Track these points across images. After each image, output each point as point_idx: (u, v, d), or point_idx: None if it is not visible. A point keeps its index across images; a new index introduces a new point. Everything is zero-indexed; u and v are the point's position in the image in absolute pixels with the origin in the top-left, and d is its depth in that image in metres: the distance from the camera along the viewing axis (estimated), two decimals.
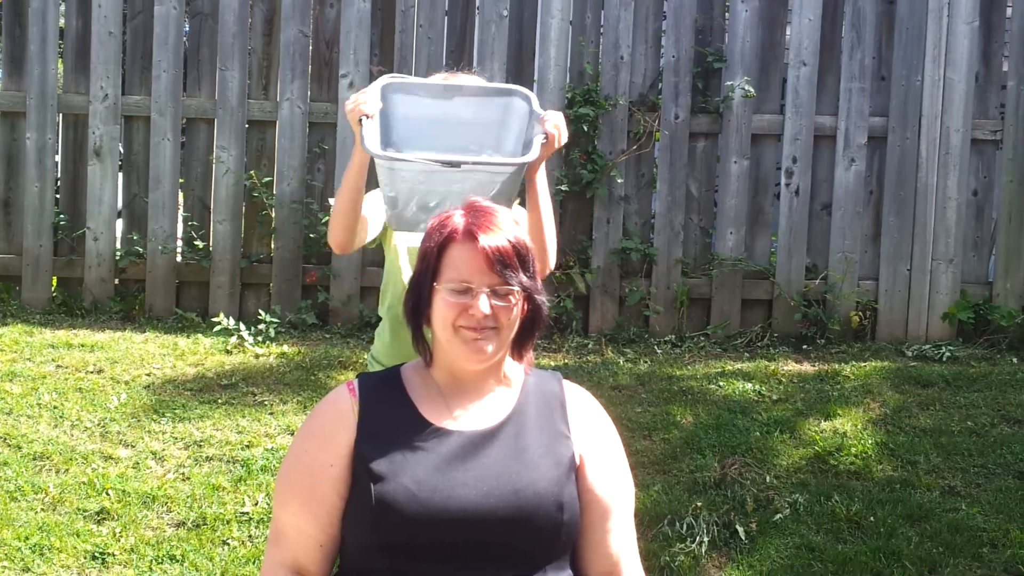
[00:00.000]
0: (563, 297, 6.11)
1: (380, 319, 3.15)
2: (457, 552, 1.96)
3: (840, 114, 6.19)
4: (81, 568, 3.70)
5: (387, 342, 3.04)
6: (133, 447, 4.48)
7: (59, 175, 6.35)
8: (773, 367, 5.57)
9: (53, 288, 6.27)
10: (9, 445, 4.42)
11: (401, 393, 2.10)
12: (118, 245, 6.26)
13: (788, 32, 6.32)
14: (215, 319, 5.87)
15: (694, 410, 4.99)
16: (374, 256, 6.18)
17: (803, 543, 3.91)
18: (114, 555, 3.76)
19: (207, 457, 4.42)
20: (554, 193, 5.80)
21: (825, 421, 4.87)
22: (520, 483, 1.99)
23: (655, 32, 6.26)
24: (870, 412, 5.00)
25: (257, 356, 5.53)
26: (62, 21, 6.47)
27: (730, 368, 5.57)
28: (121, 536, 3.86)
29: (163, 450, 4.46)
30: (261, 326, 5.83)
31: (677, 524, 3.99)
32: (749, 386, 5.27)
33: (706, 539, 3.91)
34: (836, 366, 5.61)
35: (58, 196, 6.32)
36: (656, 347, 5.94)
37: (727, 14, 6.28)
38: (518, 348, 2.12)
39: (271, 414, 4.82)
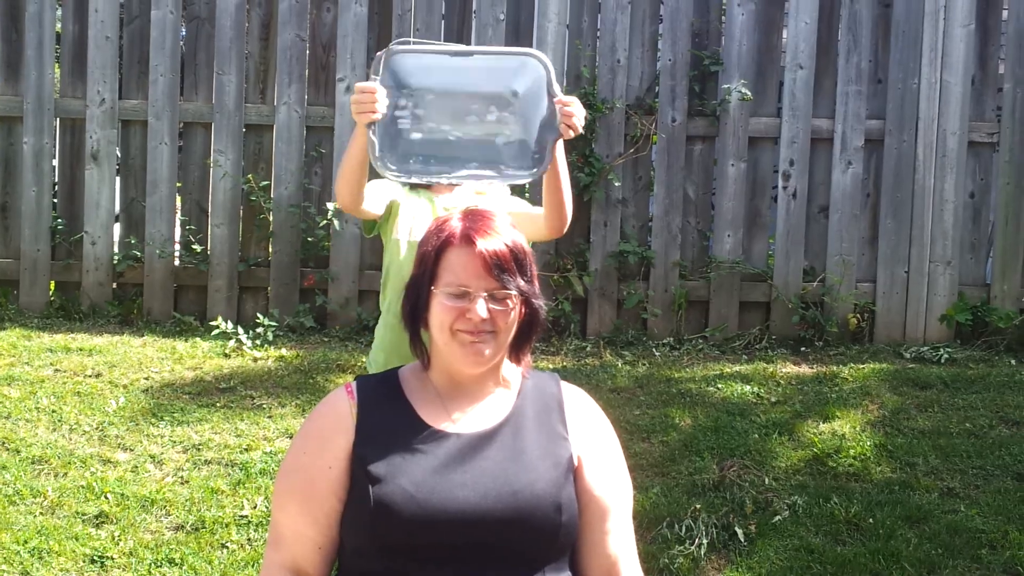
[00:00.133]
0: (561, 300, 6.11)
1: (377, 322, 3.14)
2: (456, 554, 1.97)
3: (837, 117, 6.20)
4: (80, 572, 3.69)
5: (388, 340, 3.02)
6: (131, 451, 4.48)
7: (56, 179, 6.35)
8: (771, 369, 5.58)
9: (51, 292, 6.26)
10: (8, 449, 4.42)
11: (399, 396, 2.10)
12: (116, 249, 6.26)
13: (784, 35, 6.33)
14: (213, 323, 5.87)
15: (692, 412, 5.00)
16: (372, 260, 6.18)
17: (802, 545, 3.91)
18: (113, 559, 3.75)
19: (205, 460, 4.42)
20: None
21: (824, 423, 4.87)
22: (518, 484, 2.00)
23: (651, 35, 6.27)
24: (868, 414, 5.00)
25: (255, 360, 5.53)
26: (59, 26, 6.47)
27: (728, 370, 5.57)
28: (120, 540, 3.85)
29: (161, 454, 4.46)
30: (259, 330, 5.83)
31: (676, 526, 3.99)
32: (747, 388, 5.27)
33: (705, 541, 3.91)
34: (834, 368, 5.61)
35: (55, 200, 6.31)
36: (654, 350, 5.94)
37: (723, 17, 6.29)
38: (516, 351, 2.13)
39: (269, 417, 4.81)
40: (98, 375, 5.18)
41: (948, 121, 6.15)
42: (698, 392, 5.24)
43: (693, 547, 3.88)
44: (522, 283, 2.06)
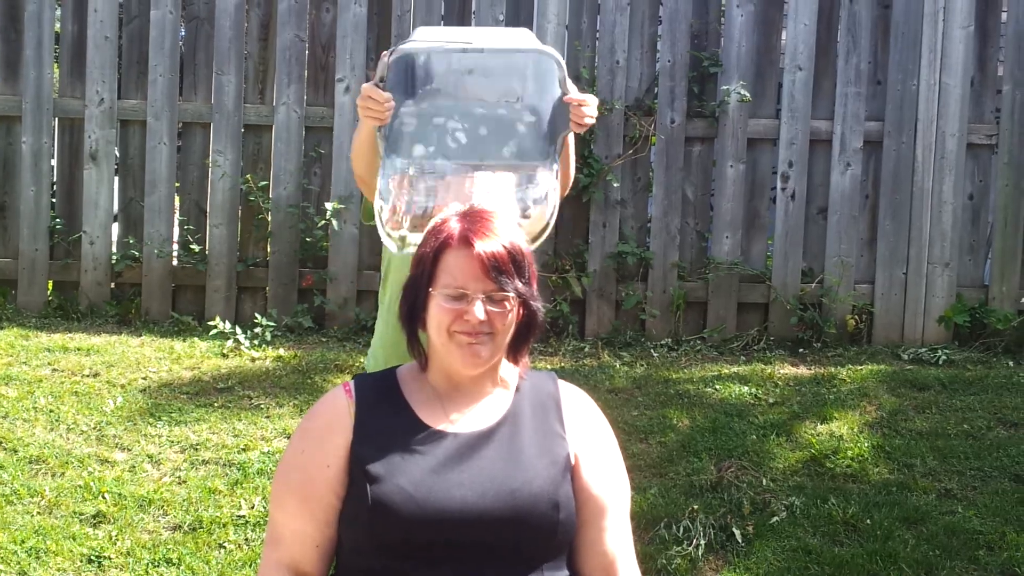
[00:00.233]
0: (559, 301, 6.11)
1: (376, 320, 3.12)
2: (454, 553, 1.97)
3: (836, 118, 6.20)
4: (77, 571, 3.69)
5: (388, 337, 3.00)
6: (129, 451, 4.48)
7: (55, 179, 6.35)
8: (769, 370, 5.58)
9: (49, 292, 6.26)
10: (5, 449, 4.42)
11: (397, 395, 2.10)
12: (114, 249, 6.26)
13: (783, 37, 6.33)
14: (211, 323, 5.86)
15: (690, 413, 5.00)
16: (371, 260, 6.18)
17: (800, 546, 3.92)
18: (110, 558, 3.75)
19: (203, 460, 4.42)
20: None
21: (821, 424, 4.87)
22: (516, 483, 2.00)
23: (651, 37, 6.27)
24: (866, 415, 5.00)
25: (253, 360, 5.53)
26: (58, 25, 6.47)
27: (726, 371, 5.57)
28: (117, 539, 3.85)
29: (159, 453, 4.46)
30: (257, 330, 5.83)
31: (674, 527, 3.99)
32: (745, 389, 5.27)
33: (703, 542, 3.91)
34: (832, 369, 5.61)
35: (54, 200, 6.31)
36: (652, 351, 5.94)
37: (723, 19, 6.29)
38: (513, 352, 2.13)
39: (267, 417, 4.81)
40: (96, 375, 5.18)
41: (947, 123, 6.15)
42: (696, 393, 5.24)
43: (691, 548, 3.88)
44: (520, 285, 2.06)
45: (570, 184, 2.82)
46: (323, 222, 6.10)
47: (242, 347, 5.65)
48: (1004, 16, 6.36)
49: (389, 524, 1.96)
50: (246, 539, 3.90)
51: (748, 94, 6.12)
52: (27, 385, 4.99)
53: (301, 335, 6.02)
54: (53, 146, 6.29)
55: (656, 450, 4.64)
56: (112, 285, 6.25)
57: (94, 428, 4.64)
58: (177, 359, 5.46)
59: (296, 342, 5.89)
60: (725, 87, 6.15)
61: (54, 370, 5.21)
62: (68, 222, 6.27)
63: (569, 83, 2.57)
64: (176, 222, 6.34)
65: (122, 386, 5.07)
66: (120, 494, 4.11)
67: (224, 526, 3.96)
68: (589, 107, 2.56)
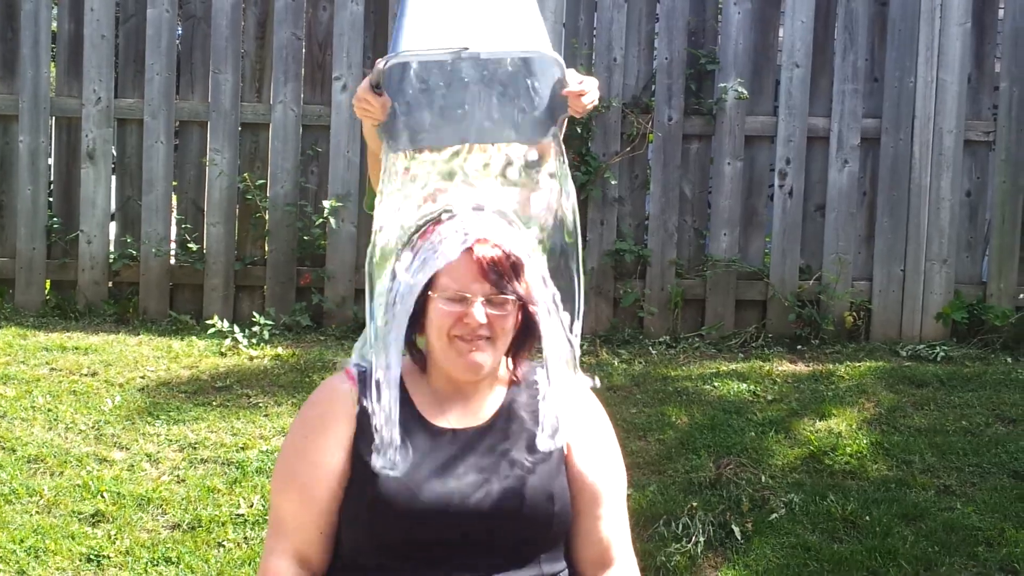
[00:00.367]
0: None
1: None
2: (452, 547, 1.99)
3: (833, 116, 6.20)
4: (76, 571, 3.69)
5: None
6: (128, 449, 4.48)
7: (52, 178, 6.34)
8: (767, 367, 5.58)
9: (46, 291, 6.25)
10: (3, 448, 4.42)
11: (400, 387, 2.10)
12: (111, 248, 6.25)
13: (781, 34, 6.33)
14: (209, 321, 5.86)
15: (689, 411, 5.00)
16: None
17: (799, 543, 3.92)
18: (109, 557, 3.75)
19: (202, 459, 4.42)
20: None
21: (820, 421, 4.88)
22: (511, 477, 2.02)
23: (648, 34, 6.27)
24: (865, 412, 5.01)
25: (251, 358, 5.52)
26: (55, 24, 6.46)
27: (725, 369, 5.57)
28: (116, 539, 3.85)
29: (158, 452, 4.45)
30: (255, 328, 5.82)
31: (673, 524, 3.99)
32: (744, 386, 5.28)
33: (702, 539, 3.91)
34: (830, 366, 5.62)
35: (51, 199, 6.30)
36: (651, 348, 5.94)
37: (720, 16, 6.29)
38: (514, 357, 2.15)
39: (266, 416, 4.81)
40: (94, 374, 5.17)
41: (944, 120, 6.15)
42: (694, 390, 5.24)
43: (690, 545, 3.88)
44: (520, 288, 2.07)
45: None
46: (321, 220, 6.10)
47: (240, 346, 5.65)
48: (1001, 13, 6.36)
49: (388, 521, 1.97)
50: (245, 538, 3.90)
51: (745, 91, 6.12)
52: (25, 384, 4.99)
53: (299, 333, 6.02)
54: (50, 145, 6.28)
55: (655, 447, 4.64)
56: (110, 284, 6.24)
57: (92, 427, 4.63)
58: (175, 358, 5.45)
59: (294, 340, 5.89)
60: (722, 84, 6.15)
61: (52, 369, 5.20)
62: (65, 221, 6.26)
63: (570, 75, 2.56)
64: (173, 221, 6.34)
65: (120, 385, 5.07)
66: (119, 493, 4.11)
67: (223, 525, 3.96)
68: (588, 95, 2.55)
